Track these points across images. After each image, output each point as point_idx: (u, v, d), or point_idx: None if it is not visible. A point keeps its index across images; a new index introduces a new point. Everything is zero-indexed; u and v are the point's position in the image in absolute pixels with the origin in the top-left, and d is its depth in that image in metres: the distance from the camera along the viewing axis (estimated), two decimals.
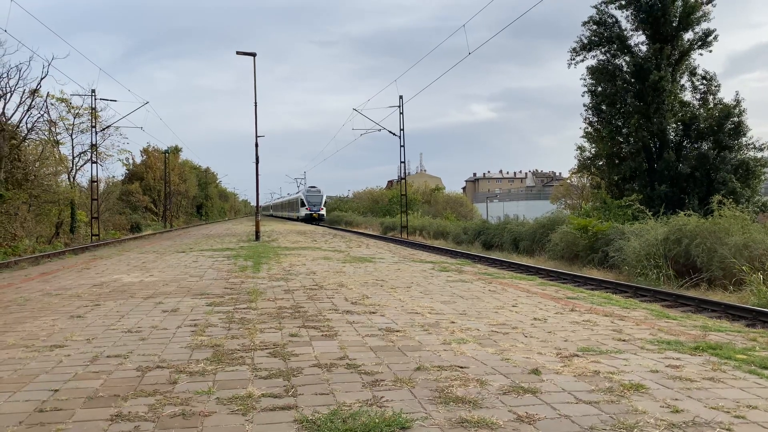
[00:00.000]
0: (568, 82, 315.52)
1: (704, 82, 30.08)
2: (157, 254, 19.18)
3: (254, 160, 30.11)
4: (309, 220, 61.65)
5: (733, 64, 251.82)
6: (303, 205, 64.47)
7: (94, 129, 36.29)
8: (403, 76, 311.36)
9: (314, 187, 67.39)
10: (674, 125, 29.84)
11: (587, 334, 6.35)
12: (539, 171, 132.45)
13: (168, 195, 63.58)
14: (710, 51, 29.84)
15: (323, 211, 63.53)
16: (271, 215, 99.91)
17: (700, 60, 49.37)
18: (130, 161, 62.18)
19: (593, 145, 31.88)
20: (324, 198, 65.71)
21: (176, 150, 71.45)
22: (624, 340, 6.05)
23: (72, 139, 37.71)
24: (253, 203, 50.34)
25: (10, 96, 27.05)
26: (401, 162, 40.79)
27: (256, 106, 28.63)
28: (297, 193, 74.81)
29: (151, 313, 7.80)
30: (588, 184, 39.64)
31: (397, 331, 6.49)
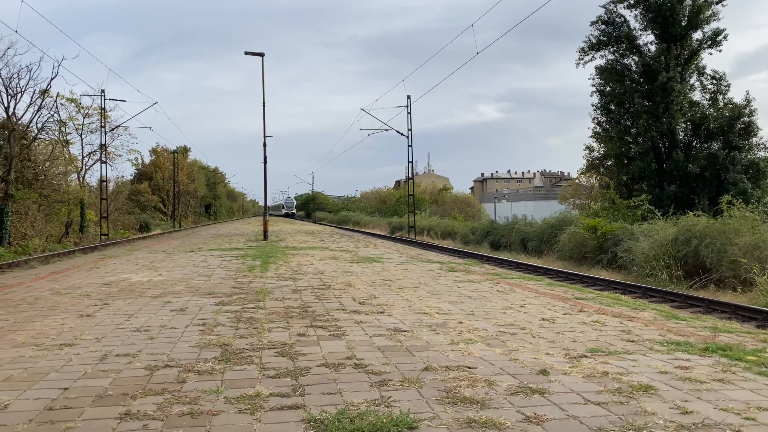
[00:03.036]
0: (574, 84, 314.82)
1: (714, 81, 29.80)
2: (165, 254, 19.27)
3: (262, 160, 30.38)
4: (286, 216, 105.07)
5: (739, 65, 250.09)
6: (283, 207, 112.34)
7: (103, 129, 36.48)
8: (411, 76, 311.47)
9: (290, 197, 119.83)
10: (683, 125, 29.58)
11: (596, 335, 6.33)
12: (547, 171, 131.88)
13: (177, 195, 63.86)
14: (720, 51, 29.60)
15: (294, 210, 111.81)
16: (270, 214, 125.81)
17: (709, 60, 48.84)
18: (139, 161, 62.33)
19: (602, 145, 31.72)
20: (294, 203, 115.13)
21: (185, 150, 71.73)
22: (633, 341, 6.02)
23: (81, 139, 37.84)
24: (261, 203, 51.81)
25: (21, 96, 27.21)
26: (409, 162, 40.96)
27: (264, 105, 28.88)
28: (280, 200, 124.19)
29: (159, 313, 7.84)
30: (597, 185, 39.43)
31: (405, 331, 6.49)
